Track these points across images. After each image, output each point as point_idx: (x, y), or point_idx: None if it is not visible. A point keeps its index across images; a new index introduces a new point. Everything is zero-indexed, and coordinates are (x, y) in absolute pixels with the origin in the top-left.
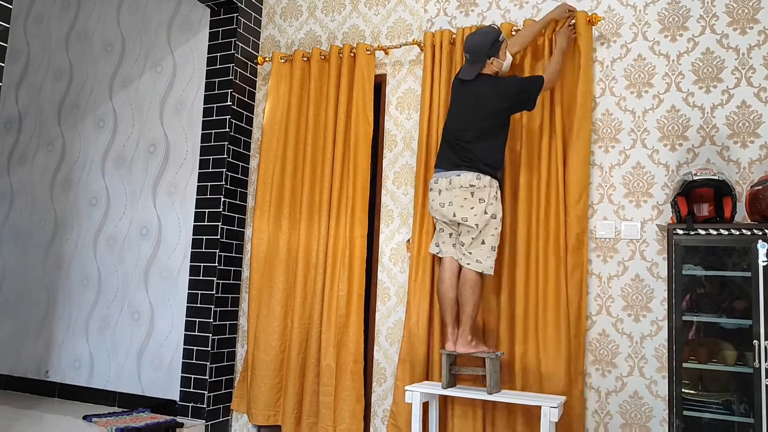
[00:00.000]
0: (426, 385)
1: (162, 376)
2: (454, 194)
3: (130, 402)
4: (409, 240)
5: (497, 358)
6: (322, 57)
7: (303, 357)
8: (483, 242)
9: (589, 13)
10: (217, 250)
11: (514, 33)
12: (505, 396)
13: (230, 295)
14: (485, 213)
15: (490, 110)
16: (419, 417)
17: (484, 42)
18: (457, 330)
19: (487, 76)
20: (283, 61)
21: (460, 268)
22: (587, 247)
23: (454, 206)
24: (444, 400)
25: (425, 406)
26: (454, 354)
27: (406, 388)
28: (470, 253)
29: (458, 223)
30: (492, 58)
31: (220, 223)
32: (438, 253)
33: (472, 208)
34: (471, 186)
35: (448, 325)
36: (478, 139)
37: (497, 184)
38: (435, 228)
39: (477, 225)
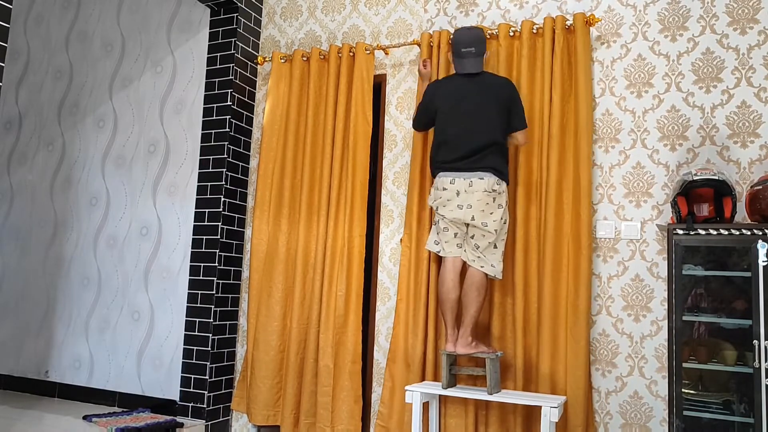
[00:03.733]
0: (426, 385)
1: (162, 376)
2: (475, 198)
3: (130, 402)
4: (401, 238)
5: (497, 359)
6: (322, 57)
7: (301, 357)
8: (496, 246)
9: (587, 14)
10: (217, 250)
11: (512, 34)
12: (506, 396)
13: (230, 295)
14: (501, 218)
15: (504, 105)
16: (419, 417)
17: (482, 36)
18: (456, 331)
19: (489, 72)
20: (282, 61)
21: (462, 268)
22: (590, 247)
23: (473, 209)
24: (440, 400)
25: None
26: (454, 354)
27: (407, 388)
28: (485, 257)
29: (468, 225)
30: (487, 53)
31: (220, 223)
32: (439, 252)
33: (491, 213)
34: (493, 191)
35: (448, 326)
36: (495, 141)
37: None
38: (431, 224)
39: (496, 230)
